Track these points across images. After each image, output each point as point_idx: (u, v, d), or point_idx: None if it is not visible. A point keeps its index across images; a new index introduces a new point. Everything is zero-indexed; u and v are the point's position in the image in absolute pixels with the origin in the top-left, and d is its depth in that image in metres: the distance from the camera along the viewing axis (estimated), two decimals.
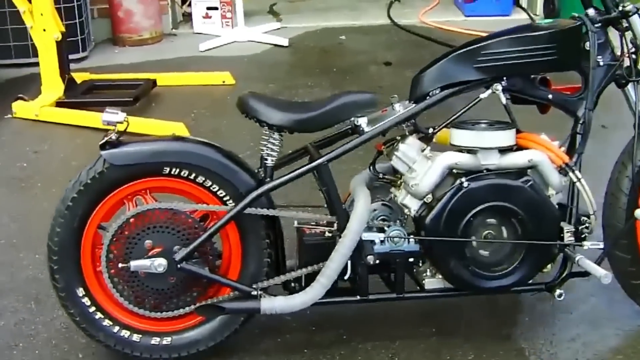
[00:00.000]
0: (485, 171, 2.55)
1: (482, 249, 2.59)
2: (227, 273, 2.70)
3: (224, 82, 5.32)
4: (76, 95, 4.96)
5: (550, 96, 2.68)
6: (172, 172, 2.58)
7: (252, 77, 5.61)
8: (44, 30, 4.86)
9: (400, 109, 2.64)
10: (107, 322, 2.67)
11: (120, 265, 2.57)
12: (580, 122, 2.64)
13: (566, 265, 2.68)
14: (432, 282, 2.66)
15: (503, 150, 2.57)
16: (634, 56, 2.69)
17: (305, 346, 2.83)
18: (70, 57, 5.82)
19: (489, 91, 2.61)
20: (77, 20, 5.93)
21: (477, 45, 2.62)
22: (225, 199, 2.61)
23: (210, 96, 5.16)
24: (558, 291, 2.65)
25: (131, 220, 2.57)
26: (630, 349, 2.77)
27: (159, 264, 2.55)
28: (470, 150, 2.55)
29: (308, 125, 2.59)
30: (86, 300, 2.65)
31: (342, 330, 2.90)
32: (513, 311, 2.98)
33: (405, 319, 2.94)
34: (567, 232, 2.60)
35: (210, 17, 6.66)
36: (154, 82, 5.20)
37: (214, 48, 6.26)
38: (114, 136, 2.57)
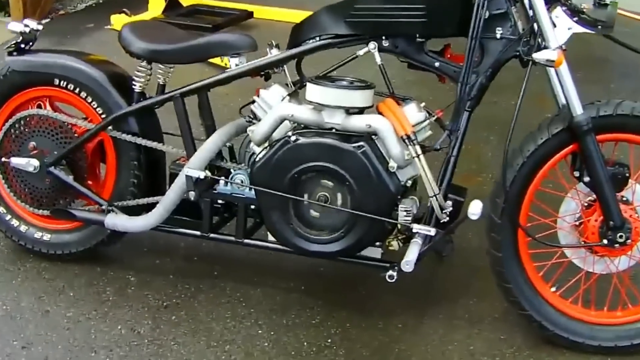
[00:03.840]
0: (333, 130, 2.45)
1: (308, 209, 2.50)
2: (103, 188, 2.86)
3: None
4: (171, 16, 5.27)
5: (437, 64, 2.48)
6: (61, 85, 2.77)
7: None
8: None
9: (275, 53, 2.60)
10: (1, 209, 2.97)
11: (3, 159, 2.83)
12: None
13: None
14: None
15: (354, 113, 2.45)
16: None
17: (174, 272, 2.93)
18: None
19: (365, 49, 2.48)
20: None
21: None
22: (103, 116, 2.75)
23: None
24: (389, 272, 2.48)
25: (21, 121, 2.81)
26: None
27: (32, 164, 2.78)
28: (319, 107, 2.46)
29: (169, 57, 2.64)
30: None
31: (218, 267, 2.96)
32: (390, 286, 2.83)
33: (287, 272, 2.93)
34: (402, 210, 2.44)
35: None
36: (250, 13, 5.38)
37: None
38: (22, 45, 2.80)
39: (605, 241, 2.43)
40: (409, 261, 2.37)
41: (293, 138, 2.43)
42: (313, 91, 2.44)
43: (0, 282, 2.86)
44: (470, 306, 2.78)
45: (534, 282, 2.55)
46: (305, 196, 2.48)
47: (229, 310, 2.73)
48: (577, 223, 2.52)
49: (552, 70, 2.40)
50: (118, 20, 5.20)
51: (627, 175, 2.45)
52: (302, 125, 2.49)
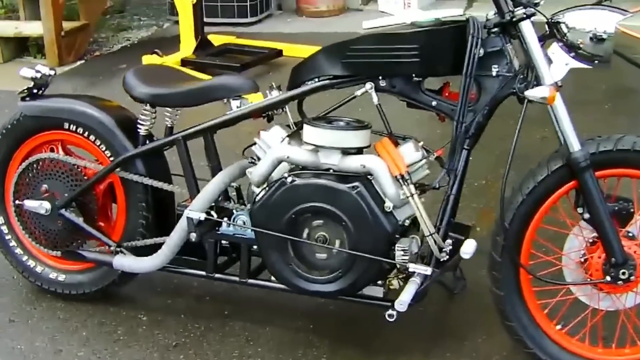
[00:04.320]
0: (331, 170, 2.47)
1: (306, 249, 2.51)
2: (114, 229, 2.91)
3: None
4: (200, 56, 5.37)
5: (434, 103, 2.49)
6: (71, 128, 2.84)
7: None
8: None
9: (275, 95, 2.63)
10: (18, 251, 3.04)
11: (17, 202, 2.91)
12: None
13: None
14: None
15: (351, 153, 2.46)
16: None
17: (185, 311, 2.97)
18: (238, 21, 6.37)
19: (363, 89, 2.50)
20: None
21: (348, 40, 2.52)
22: (111, 159, 2.81)
23: None
24: (389, 311, 2.47)
25: (33, 164, 2.89)
26: None
27: (44, 206, 2.85)
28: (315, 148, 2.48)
29: (170, 101, 2.70)
30: (4, 228, 3.04)
31: (229, 306, 2.99)
32: (398, 324, 2.82)
33: (297, 311, 2.93)
34: (399, 249, 2.43)
35: None
36: (279, 52, 5.45)
37: (377, 27, 6.30)
38: (35, 90, 2.89)
39: (608, 278, 2.39)
40: (402, 301, 2.36)
41: (289, 179, 2.46)
42: (309, 132, 2.46)
43: (17, 321, 2.94)
44: (478, 344, 2.74)
45: (537, 319, 2.51)
46: (304, 236, 2.50)
47: (236, 349, 2.75)
48: (582, 260, 2.48)
49: (549, 107, 2.39)
50: (149, 61, 5.32)
51: (632, 210, 2.42)
52: (300, 167, 2.51)
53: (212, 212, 2.68)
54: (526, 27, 2.33)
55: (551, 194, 2.43)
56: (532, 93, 2.30)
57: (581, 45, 2.38)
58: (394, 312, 2.45)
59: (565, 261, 2.50)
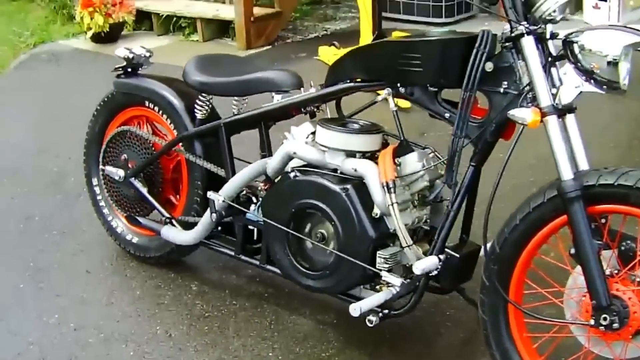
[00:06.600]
0: (338, 172, 2.53)
1: (301, 244, 2.60)
2: (178, 202, 3.18)
3: None
4: None
5: (447, 115, 2.45)
6: (149, 106, 3.15)
7: None
8: None
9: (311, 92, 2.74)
10: (106, 211, 3.42)
11: (100, 167, 3.28)
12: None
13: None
14: None
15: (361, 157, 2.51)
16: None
17: (231, 288, 3.18)
18: (433, 20, 6.35)
19: (384, 95, 2.53)
20: None
21: (369, 44, 2.56)
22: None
23: None
24: (369, 316, 2.47)
25: (117, 136, 3.23)
26: None
27: (119, 173, 3.19)
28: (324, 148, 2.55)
29: (217, 90, 2.88)
30: (97, 189, 3.43)
31: (271, 290, 3.15)
32: (418, 335, 2.82)
33: (329, 304, 2.98)
34: (380, 256, 2.44)
35: (599, 8, 6.30)
36: None
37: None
38: (129, 69, 3.22)
39: (592, 321, 2.22)
40: (356, 307, 2.37)
41: (292, 174, 2.56)
42: (319, 133, 2.55)
43: (91, 273, 3.32)
44: None
45: (522, 353, 2.39)
46: (304, 232, 2.59)
47: (255, 329, 2.90)
48: (582, 299, 2.32)
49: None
50: (324, 52, 5.53)
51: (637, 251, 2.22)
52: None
53: (254, 198, 2.85)
54: (526, 44, 2.24)
55: (546, 223, 2.30)
56: (515, 113, 2.20)
57: (595, 70, 2.23)
58: (374, 318, 2.46)
59: (565, 298, 2.35)
